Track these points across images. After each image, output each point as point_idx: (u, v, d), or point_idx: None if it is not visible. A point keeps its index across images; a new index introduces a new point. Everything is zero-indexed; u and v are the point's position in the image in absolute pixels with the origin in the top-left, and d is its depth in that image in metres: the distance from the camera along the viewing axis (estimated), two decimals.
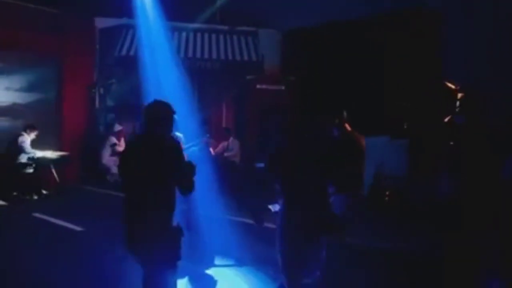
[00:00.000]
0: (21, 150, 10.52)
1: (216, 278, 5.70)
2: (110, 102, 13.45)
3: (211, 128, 12.12)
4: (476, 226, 5.10)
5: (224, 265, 6.18)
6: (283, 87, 12.85)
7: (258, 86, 12.81)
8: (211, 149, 11.01)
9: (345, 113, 5.83)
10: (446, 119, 5.67)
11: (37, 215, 9.03)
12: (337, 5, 10.84)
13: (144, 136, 3.96)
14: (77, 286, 5.68)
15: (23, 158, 10.56)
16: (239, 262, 6.22)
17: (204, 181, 3.97)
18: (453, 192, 6.15)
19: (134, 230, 3.82)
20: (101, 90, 13.24)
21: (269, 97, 12.64)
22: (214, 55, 13.21)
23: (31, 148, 10.66)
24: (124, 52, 12.72)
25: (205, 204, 6.43)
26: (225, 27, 13.46)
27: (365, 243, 6.39)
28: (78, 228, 8.09)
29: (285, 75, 13.21)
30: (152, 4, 11.86)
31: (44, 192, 10.84)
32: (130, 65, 12.20)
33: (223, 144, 12.01)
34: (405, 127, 10.07)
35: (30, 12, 11.69)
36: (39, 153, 10.79)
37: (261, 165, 12.22)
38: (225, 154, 11.76)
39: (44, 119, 11.72)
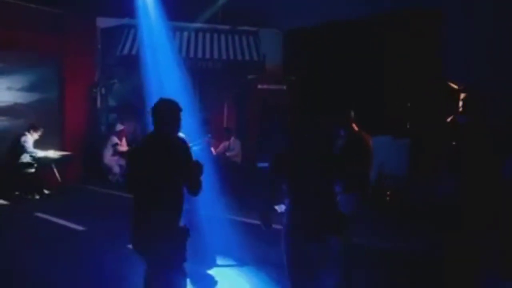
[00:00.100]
0: (23, 149, 10.55)
1: (217, 278, 5.72)
2: (111, 102, 13.46)
3: (212, 127, 12.12)
4: (476, 226, 5.11)
5: (226, 265, 6.20)
6: (284, 87, 12.84)
7: (259, 86, 12.80)
8: (212, 149, 11.03)
9: (352, 113, 5.84)
10: (448, 119, 5.68)
11: (39, 214, 9.06)
12: (338, 5, 10.85)
13: (152, 136, 3.95)
14: (79, 285, 5.70)
15: (25, 158, 10.58)
16: (241, 262, 6.24)
17: (205, 181, 3.98)
18: (455, 192, 6.16)
19: (141, 230, 3.83)
20: (103, 90, 13.26)
21: (271, 97, 12.63)
22: (216, 55, 13.22)
23: (33, 148, 10.69)
24: (125, 52, 12.73)
25: (206, 204, 6.44)
26: (227, 27, 13.46)
27: (365, 243, 6.40)
28: (80, 228, 8.12)
29: (287, 74, 13.21)
30: (154, 4, 11.88)
31: (46, 191, 10.86)
32: (132, 65, 12.21)
33: (224, 144, 12.03)
34: (408, 126, 10.07)
35: (31, 12, 11.70)
36: (41, 153, 10.82)
37: (263, 165, 12.27)
38: (227, 154, 11.77)
39: (45, 119, 11.73)
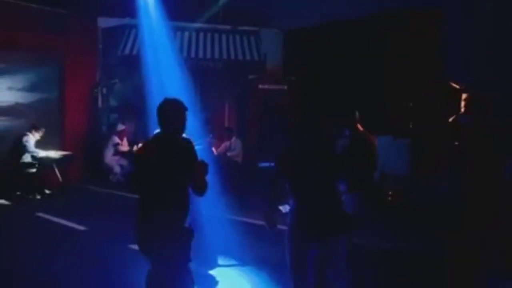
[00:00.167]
0: (24, 149, 10.57)
1: (218, 278, 5.73)
2: (113, 102, 13.47)
3: (213, 127, 12.14)
4: (477, 226, 5.11)
5: (227, 265, 6.21)
6: (285, 87, 12.85)
7: (260, 86, 12.81)
8: (213, 149, 11.05)
9: (357, 113, 5.85)
10: (450, 119, 5.68)
11: (40, 214, 9.08)
12: (338, 5, 10.86)
13: (158, 136, 3.95)
14: (80, 285, 5.71)
15: (26, 158, 10.61)
16: (242, 262, 6.25)
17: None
18: (456, 192, 6.15)
19: (146, 230, 3.84)
20: (104, 90, 13.27)
21: (271, 96, 12.64)
22: (216, 55, 13.23)
23: (35, 148, 10.71)
24: (126, 52, 12.74)
25: (207, 204, 6.45)
26: (227, 27, 13.47)
27: (365, 243, 6.41)
28: (81, 228, 8.13)
29: (287, 74, 13.22)
30: (155, 4, 11.89)
31: (47, 191, 10.89)
32: (133, 65, 12.22)
33: (226, 144, 12.04)
34: (411, 126, 10.07)
35: (32, 12, 11.72)
36: (42, 153, 10.84)
37: (264, 164, 12.29)
38: (228, 154, 11.79)
39: (46, 119, 11.76)
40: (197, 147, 3.98)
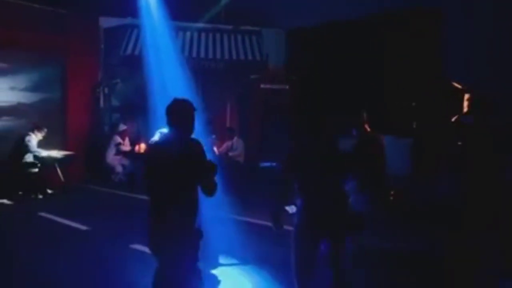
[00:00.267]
0: (26, 149, 10.59)
1: (220, 277, 5.74)
2: (114, 102, 13.47)
3: (215, 127, 12.14)
4: (478, 226, 5.11)
5: (229, 265, 6.22)
6: (287, 87, 12.85)
7: (262, 86, 12.82)
8: (215, 149, 11.06)
9: (364, 114, 5.86)
10: (453, 119, 5.68)
11: (42, 214, 9.08)
12: (340, 4, 10.86)
13: (167, 136, 3.96)
14: (82, 285, 5.71)
15: (28, 158, 10.62)
16: (244, 262, 6.25)
17: None
18: (457, 192, 6.15)
19: (157, 230, 3.84)
20: (106, 90, 13.28)
21: (273, 96, 12.65)
22: (218, 55, 13.23)
23: (37, 148, 10.73)
24: (128, 51, 12.75)
25: (209, 204, 6.47)
26: (229, 27, 13.47)
27: (365, 243, 6.41)
28: (83, 227, 8.14)
29: (290, 74, 13.22)
30: (157, 3, 11.90)
31: (49, 191, 10.90)
32: (135, 64, 12.24)
33: (227, 143, 12.05)
34: (414, 126, 10.06)
35: (34, 12, 11.74)
36: (44, 153, 10.85)
37: (266, 164, 12.30)
38: (229, 154, 11.80)
39: (49, 118, 11.76)
40: None
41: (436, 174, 7.88)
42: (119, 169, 12.58)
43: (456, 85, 7.91)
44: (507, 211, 4.87)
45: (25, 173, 10.60)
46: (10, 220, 8.74)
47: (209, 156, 3.94)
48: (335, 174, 4.09)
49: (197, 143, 3.85)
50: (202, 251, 4.04)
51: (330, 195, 4.08)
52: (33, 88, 11.99)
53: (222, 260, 6.28)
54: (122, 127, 12.79)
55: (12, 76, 11.62)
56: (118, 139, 12.65)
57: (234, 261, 6.33)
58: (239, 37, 13.53)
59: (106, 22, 13.32)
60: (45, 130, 10.95)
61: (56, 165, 11.17)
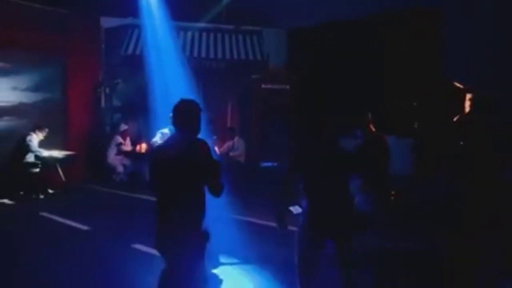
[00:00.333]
0: (28, 149, 10.60)
1: (221, 277, 5.74)
2: (116, 102, 13.48)
3: (216, 127, 12.14)
4: (479, 226, 5.11)
5: (230, 264, 6.22)
6: (288, 87, 12.84)
7: (263, 86, 12.82)
8: (216, 149, 11.06)
9: (369, 114, 5.86)
10: (455, 119, 5.67)
11: (43, 214, 9.09)
12: (342, 4, 10.86)
13: (174, 137, 3.96)
14: (83, 285, 5.72)
15: (30, 158, 10.63)
16: (245, 261, 6.26)
17: None
18: (457, 192, 6.14)
19: (164, 231, 3.83)
20: (107, 90, 13.30)
21: (274, 96, 12.65)
22: (219, 55, 13.24)
23: (38, 148, 10.74)
24: (130, 51, 12.77)
25: (210, 204, 6.47)
26: (230, 27, 13.48)
27: (366, 243, 6.41)
28: (84, 227, 8.14)
29: (290, 74, 13.21)
30: (158, 4, 11.93)
31: (50, 191, 10.91)
32: (136, 64, 12.26)
33: (228, 143, 12.05)
34: (416, 126, 10.05)
35: (36, 12, 11.74)
36: (45, 153, 10.86)
37: (267, 164, 12.31)
38: (230, 154, 11.80)
39: (50, 118, 11.77)
40: None
41: (437, 174, 7.88)
42: (120, 169, 12.59)
43: (457, 85, 7.91)
44: (507, 211, 4.87)
45: (26, 173, 10.61)
46: (12, 220, 8.75)
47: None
48: (340, 174, 4.09)
49: (204, 143, 3.84)
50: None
51: (335, 196, 4.08)
52: (35, 88, 12.00)
53: (223, 259, 6.29)
54: (123, 127, 12.81)
55: (14, 76, 11.62)
56: (119, 139, 12.67)
57: (235, 260, 6.33)
58: (240, 37, 13.54)
59: (107, 22, 13.33)
60: (47, 130, 10.96)
61: (57, 165, 11.17)
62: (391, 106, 10.42)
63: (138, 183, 11.94)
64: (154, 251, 6.63)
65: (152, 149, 3.90)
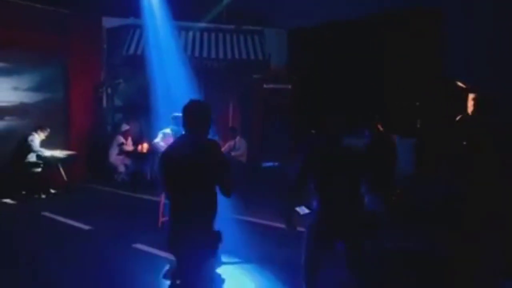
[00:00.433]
0: (29, 149, 10.61)
1: (223, 276, 5.75)
2: (117, 102, 13.49)
3: (217, 127, 12.13)
4: (479, 227, 5.11)
5: (231, 263, 6.23)
6: (289, 86, 12.84)
7: (264, 85, 12.82)
8: None
9: (377, 115, 5.87)
10: (457, 118, 5.67)
11: (45, 213, 9.10)
12: (343, 4, 10.86)
13: (184, 138, 3.96)
14: (85, 284, 5.73)
15: (31, 158, 10.65)
16: (246, 261, 6.26)
17: None
18: (458, 192, 6.15)
19: (176, 232, 3.84)
20: (109, 90, 13.30)
21: (276, 96, 12.65)
22: (221, 55, 13.24)
23: (40, 148, 10.75)
24: (131, 51, 12.77)
25: None
26: (231, 27, 13.48)
27: (367, 243, 6.42)
28: (86, 227, 8.15)
29: (292, 74, 13.21)
30: (159, 3, 11.94)
31: (52, 191, 10.94)
32: (137, 64, 12.27)
33: (230, 143, 12.04)
34: (418, 126, 10.06)
35: (37, 13, 11.75)
36: (47, 153, 10.88)
37: (268, 164, 12.31)
38: (232, 154, 11.78)
39: (52, 118, 11.79)
40: None
41: (438, 174, 7.88)
42: (121, 169, 12.62)
43: (460, 84, 7.91)
44: (507, 211, 4.87)
45: (28, 173, 10.63)
46: (13, 220, 8.77)
47: None
48: (350, 174, 4.10)
49: (215, 143, 3.88)
50: None
51: (346, 195, 4.10)
52: (36, 88, 12.01)
53: (225, 258, 6.28)
54: (125, 127, 12.82)
55: (15, 76, 11.63)
56: (120, 139, 12.69)
57: (237, 260, 6.34)
58: (241, 37, 13.54)
59: (109, 22, 13.34)
60: (48, 130, 10.98)
61: (59, 164, 11.19)
62: (392, 106, 10.43)
63: (139, 183, 11.97)
64: (155, 251, 6.71)
65: (162, 152, 3.86)
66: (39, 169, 10.73)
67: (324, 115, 4.33)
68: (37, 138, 10.73)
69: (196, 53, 13.11)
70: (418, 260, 6.24)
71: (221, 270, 5.92)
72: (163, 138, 7.58)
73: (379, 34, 11.10)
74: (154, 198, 8.98)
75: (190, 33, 13.22)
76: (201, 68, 12.70)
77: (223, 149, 11.78)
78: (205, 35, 13.38)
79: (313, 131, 9.94)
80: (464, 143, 5.57)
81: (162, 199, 7.78)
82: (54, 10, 12.19)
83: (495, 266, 4.92)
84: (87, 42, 12.79)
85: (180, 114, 7.13)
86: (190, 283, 3.88)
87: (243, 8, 12.79)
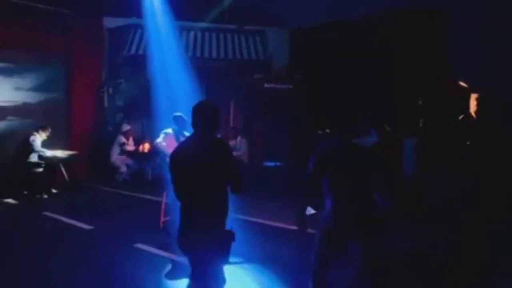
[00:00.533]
0: (31, 149, 10.62)
1: (225, 276, 5.74)
2: (118, 102, 13.47)
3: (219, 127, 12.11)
4: (482, 227, 5.10)
5: (233, 263, 6.21)
6: (291, 86, 12.82)
7: (266, 85, 12.79)
8: None
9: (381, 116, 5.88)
10: (460, 117, 5.66)
11: (47, 213, 9.11)
12: (345, 4, 10.85)
13: (194, 137, 3.98)
14: (86, 284, 5.72)
15: (33, 157, 10.65)
16: (248, 261, 6.25)
17: None
18: (462, 192, 6.14)
19: (188, 231, 3.84)
20: (110, 90, 13.29)
21: (277, 96, 12.63)
22: (222, 54, 13.24)
23: (41, 147, 10.76)
24: (132, 51, 12.79)
25: None
26: (233, 26, 13.47)
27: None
28: (87, 227, 8.16)
29: (294, 74, 13.19)
30: (161, 4, 11.94)
31: (53, 191, 10.95)
32: (139, 64, 12.28)
33: (231, 143, 12.04)
34: (420, 125, 10.03)
35: (39, 12, 11.77)
36: (48, 152, 10.88)
37: (270, 164, 12.30)
38: (233, 153, 11.78)
39: (53, 118, 11.80)
40: None
41: (440, 174, 7.87)
42: (123, 168, 12.62)
43: (462, 84, 7.90)
44: (508, 212, 4.85)
45: (30, 173, 10.64)
46: (15, 219, 8.78)
47: None
48: (363, 173, 4.10)
49: (224, 141, 3.93)
50: None
51: (360, 196, 4.09)
52: (38, 88, 12.02)
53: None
54: (126, 127, 12.83)
55: (17, 76, 11.65)
56: (122, 139, 12.70)
57: (238, 259, 6.33)
58: (243, 37, 13.53)
59: (110, 22, 13.35)
60: (50, 130, 10.98)
61: (61, 164, 11.20)
62: (395, 105, 10.40)
63: (141, 182, 11.98)
64: (157, 251, 6.71)
65: (171, 152, 3.88)
66: (41, 169, 10.75)
67: (335, 114, 4.34)
68: (38, 138, 10.74)
69: (198, 53, 13.11)
70: (418, 260, 6.23)
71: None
72: (165, 138, 7.57)
73: (380, 34, 11.07)
74: (156, 198, 8.98)
75: (192, 33, 13.22)
76: (203, 68, 12.69)
77: None
78: (207, 35, 13.38)
79: (319, 132, 9.91)
80: (468, 143, 5.55)
81: (164, 199, 7.78)
82: (56, 10, 12.20)
83: (495, 267, 4.91)
84: (88, 42, 12.81)
85: (180, 114, 7.14)
86: (204, 283, 3.90)
87: (245, 8, 12.76)
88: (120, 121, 13.23)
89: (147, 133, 12.60)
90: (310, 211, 4.39)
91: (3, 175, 10.64)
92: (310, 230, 4.35)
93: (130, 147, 12.80)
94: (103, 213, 9.20)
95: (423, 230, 7.46)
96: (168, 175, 3.95)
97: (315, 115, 11.25)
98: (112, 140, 12.77)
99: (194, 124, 3.93)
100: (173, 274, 5.86)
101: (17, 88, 11.61)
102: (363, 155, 4.21)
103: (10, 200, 10.22)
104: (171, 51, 11.86)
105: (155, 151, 10.17)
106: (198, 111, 3.92)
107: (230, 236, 3.90)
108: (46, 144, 10.93)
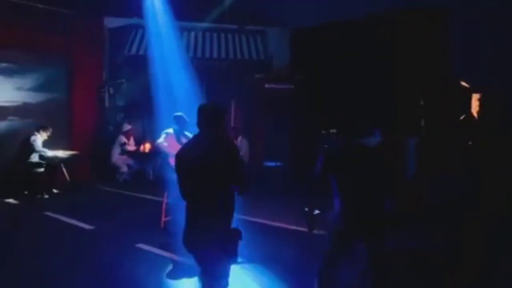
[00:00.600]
0: (32, 149, 10.63)
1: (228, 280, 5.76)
2: (119, 102, 13.48)
3: None
4: (483, 227, 5.10)
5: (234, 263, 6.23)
6: (292, 86, 12.82)
7: (266, 85, 12.79)
8: None
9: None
10: (461, 118, 5.67)
11: (48, 213, 9.12)
12: (346, 4, 10.84)
13: (199, 137, 4.00)
14: (87, 284, 5.74)
15: (34, 158, 10.66)
16: (249, 261, 6.26)
17: None
18: (466, 193, 6.15)
19: (193, 230, 3.86)
20: (111, 90, 13.29)
21: (278, 96, 12.63)
22: (223, 55, 13.24)
23: (42, 147, 10.77)
24: (133, 51, 12.79)
25: None
26: (234, 27, 13.47)
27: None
28: (88, 227, 8.17)
29: (294, 74, 13.18)
30: (162, 4, 11.95)
31: (54, 191, 10.96)
32: (140, 64, 12.28)
33: None
34: (422, 125, 10.03)
35: (39, 12, 11.77)
36: (49, 153, 10.89)
37: (270, 164, 12.31)
38: None
39: (54, 118, 11.79)
40: None
41: (440, 174, 7.87)
42: (124, 168, 12.64)
43: (464, 84, 7.91)
44: (509, 212, 4.86)
45: (30, 173, 10.65)
46: (16, 220, 8.78)
47: None
48: (370, 173, 4.11)
49: (229, 141, 3.94)
50: None
51: (367, 195, 4.10)
52: (39, 88, 12.02)
53: None
54: (127, 127, 12.84)
55: (18, 76, 11.64)
56: (123, 138, 12.71)
57: (239, 260, 6.33)
58: (244, 37, 13.53)
59: (111, 22, 13.35)
60: (51, 130, 10.99)
61: (62, 164, 11.22)
62: (395, 105, 10.40)
63: (141, 183, 11.99)
64: (158, 251, 6.73)
65: (177, 152, 3.91)
66: (42, 169, 10.76)
67: (342, 115, 4.35)
68: (39, 138, 10.75)
69: (199, 53, 13.11)
70: (418, 260, 6.23)
71: None
72: (166, 138, 7.58)
73: (380, 34, 11.06)
74: (157, 198, 8.99)
75: (193, 33, 13.23)
76: (203, 68, 12.69)
77: None
78: (208, 35, 13.39)
79: (323, 131, 9.91)
80: (469, 143, 5.56)
81: (165, 199, 7.79)
82: (56, 10, 12.20)
83: (495, 266, 4.92)
84: (89, 42, 12.81)
85: (181, 114, 7.16)
86: (208, 283, 3.92)
87: (245, 8, 12.77)
88: (121, 121, 13.23)
89: (148, 133, 12.61)
90: (316, 211, 4.41)
91: (4, 175, 10.65)
92: (314, 231, 4.36)
93: (131, 147, 12.81)
94: (104, 213, 9.21)
95: (423, 230, 7.45)
96: (168, 175, 3.98)
97: (316, 115, 11.26)
98: (113, 140, 12.78)
99: (198, 124, 3.98)
100: (174, 274, 5.88)
101: (18, 88, 11.61)
102: (369, 155, 4.23)
103: (11, 200, 10.24)
104: (172, 51, 11.87)
105: (156, 151, 10.18)
106: (199, 111, 3.97)
107: (236, 234, 3.92)
108: (47, 144, 10.94)
